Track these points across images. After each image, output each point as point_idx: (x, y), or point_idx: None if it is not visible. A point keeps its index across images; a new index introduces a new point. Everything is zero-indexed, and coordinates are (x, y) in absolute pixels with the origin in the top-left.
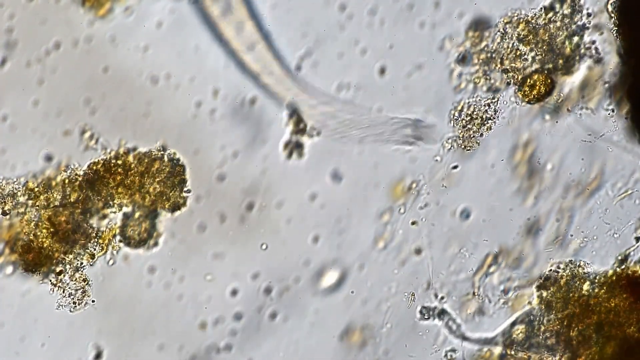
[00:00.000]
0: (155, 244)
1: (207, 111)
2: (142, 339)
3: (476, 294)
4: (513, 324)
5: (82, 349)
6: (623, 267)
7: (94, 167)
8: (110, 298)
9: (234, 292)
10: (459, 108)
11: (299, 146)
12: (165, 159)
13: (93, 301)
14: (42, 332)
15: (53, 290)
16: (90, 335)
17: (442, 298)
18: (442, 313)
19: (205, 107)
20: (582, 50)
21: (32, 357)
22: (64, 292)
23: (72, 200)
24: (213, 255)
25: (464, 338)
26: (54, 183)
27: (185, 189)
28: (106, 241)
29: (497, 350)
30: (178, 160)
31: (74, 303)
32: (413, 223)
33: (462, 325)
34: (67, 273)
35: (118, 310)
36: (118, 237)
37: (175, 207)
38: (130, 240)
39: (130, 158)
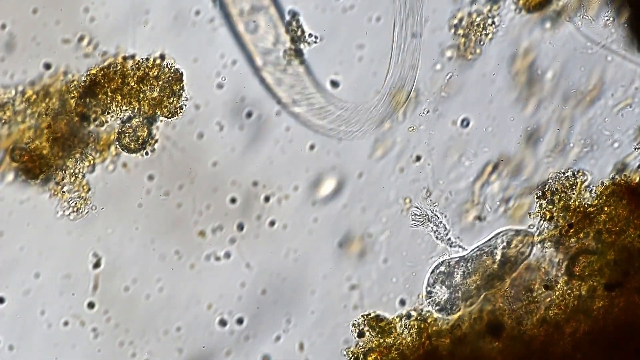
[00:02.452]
0: (152, 150)
1: (206, 19)
2: (142, 247)
3: (476, 202)
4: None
5: (81, 258)
6: (622, 175)
7: (93, 74)
8: (110, 206)
9: (233, 201)
10: (459, 16)
11: (298, 53)
12: (164, 66)
13: (94, 208)
14: (42, 240)
15: (53, 198)
16: (90, 244)
17: (435, 203)
18: (432, 218)
19: (204, 15)
20: None
21: (31, 265)
22: (64, 199)
23: (70, 107)
24: (212, 163)
25: (451, 245)
26: (52, 90)
27: (183, 96)
28: (105, 147)
29: (498, 256)
30: (177, 68)
31: (75, 211)
32: (410, 128)
33: (450, 231)
34: (67, 180)
35: (118, 218)
36: (116, 143)
37: (173, 114)
38: (127, 146)
39: (129, 65)
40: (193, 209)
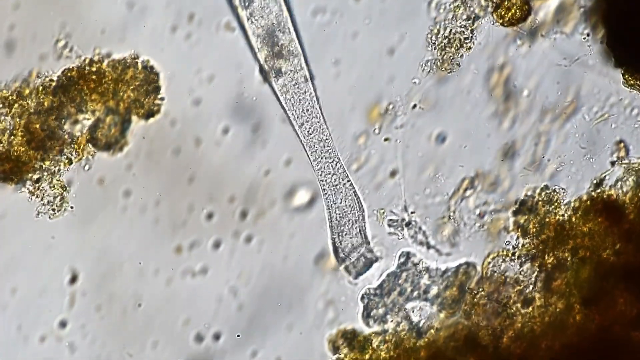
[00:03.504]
0: (125, 148)
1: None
2: (135, 252)
3: (452, 217)
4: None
5: (61, 260)
6: (598, 191)
7: (68, 74)
8: (88, 204)
9: (210, 216)
10: (436, 31)
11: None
12: (139, 66)
13: (72, 207)
14: (20, 241)
15: (31, 198)
16: (69, 245)
17: (412, 212)
18: (409, 224)
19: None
20: None
21: (8, 266)
22: (42, 199)
23: (46, 107)
24: (188, 179)
25: (431, 248)
26: (27, 91)
27: (159, 96)
28: (81, 146)
29: (474, 271)
30: (152, 67)
31: (53, 210)
32: (386, 140)
33: (430, 236)
34: (45, 180)
35: (96, 217)
36: (90, 143)
37: (149, 115)
38: (98, 142)
39: (105, 65)
40: (188, 212)
